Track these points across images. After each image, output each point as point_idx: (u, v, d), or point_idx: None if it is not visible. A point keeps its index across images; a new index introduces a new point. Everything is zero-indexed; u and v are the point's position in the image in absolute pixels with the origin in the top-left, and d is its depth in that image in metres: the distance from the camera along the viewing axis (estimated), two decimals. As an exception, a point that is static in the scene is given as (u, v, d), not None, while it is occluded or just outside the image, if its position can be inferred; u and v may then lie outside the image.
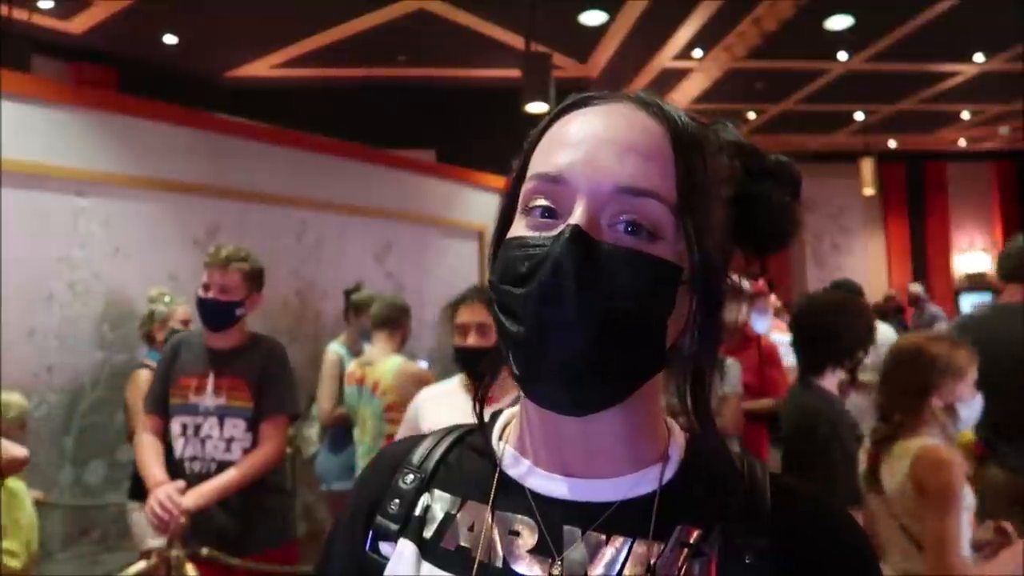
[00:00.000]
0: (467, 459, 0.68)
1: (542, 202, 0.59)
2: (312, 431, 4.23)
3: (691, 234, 0.57)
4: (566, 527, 0.60)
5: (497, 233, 0.65)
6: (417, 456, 0.69)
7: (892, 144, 11.33)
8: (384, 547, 0.66)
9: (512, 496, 0.63)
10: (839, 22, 6.65)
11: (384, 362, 3.45)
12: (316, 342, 4.73)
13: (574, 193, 0.57)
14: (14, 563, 2.50)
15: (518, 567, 0.60)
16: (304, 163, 5.00)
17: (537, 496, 0.62)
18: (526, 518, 0.61)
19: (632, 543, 0.58)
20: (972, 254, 11.99)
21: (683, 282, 0.57)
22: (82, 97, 4.13)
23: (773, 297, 8.22)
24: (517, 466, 0.64)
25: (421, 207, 5.83)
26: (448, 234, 6.01)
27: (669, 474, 0.61)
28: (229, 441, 2.53)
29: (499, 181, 6.33)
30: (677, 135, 0.59)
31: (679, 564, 0.57)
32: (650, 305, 0.56)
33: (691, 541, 0.58)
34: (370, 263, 5.33)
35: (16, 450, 2.56)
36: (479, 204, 6.13)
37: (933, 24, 6.64)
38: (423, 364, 4.11)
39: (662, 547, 0.58)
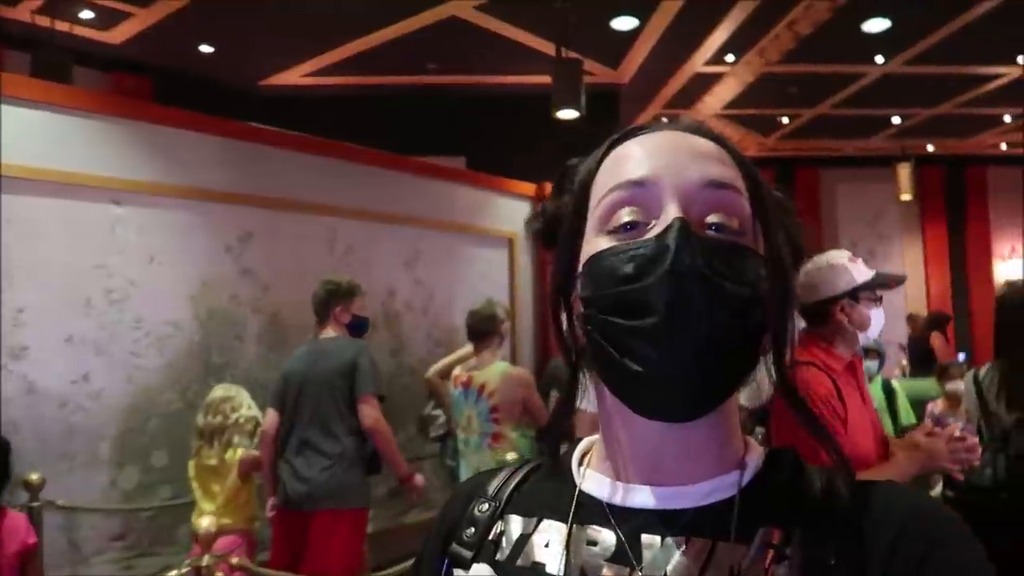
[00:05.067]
0: (543, 485, 0.70)
1: (626, 216, 0.60)
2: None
3: (768, 226, 0.61)
4: (644, 535, 0.59)
5: (560, 275, 0.65)
6: (492, 486, 0.71)
7: (930, 148, 11.10)
8: (458, 574, 0.67)
9: (591, 511, 0.63)
10: (876, 25, 6.53)
11: (491, 367, 3.72)
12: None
13: (661, 194, 0.59)
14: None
15: None
16: (335, 171, 5.03)
17: (615, 508, 0.62)
18: (604, 528, 0.61)
19: (713, 547, 0.58)
20: (1014, 261, 11.70)
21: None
22: (119, 107, 4.21)
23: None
24: (597, 485, 0.65)
25: (451, 214, 5.83)
26: (478, 241, 6.01)
27: (748, 479, 0.61)
28: None
29: (530, 188, 6.31)
30: (731, 150, 0.64)
31: (765, 566, 0.56)
32: (758, 294, 0.57)
33: (775, 542, 0.56)
34: (400, 270, 5.34)
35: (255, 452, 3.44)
36: (509, 211, 6.12)
37: (974, 26, 6.49)
38: None
39: (746, 549, 0.57)
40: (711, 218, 0.58)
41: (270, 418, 3.36)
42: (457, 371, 3.89)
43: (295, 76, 7.48)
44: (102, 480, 3.79)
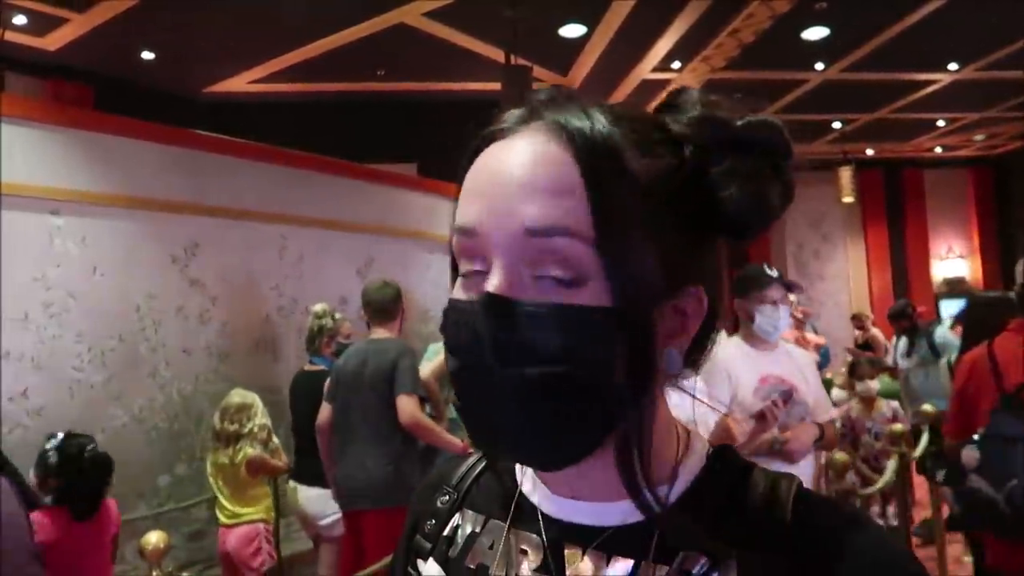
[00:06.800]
0: (497, 479, 0.70)
1: (467, 265, 0.57)
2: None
3: (610, 271, 0.51)
4: (568, 547, 0.59)
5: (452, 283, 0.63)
6: (456, 476, 0.72)
7: (869, 152, 11.46)
8: (421, 565, 0.69)
9: (527, 516, 0.63)
10: (815, 33, 6.72)
11: None
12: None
13: (488, 247, 0.54)
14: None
15: None
16: (284, 179, 4.97)
17: (546, 517, 0.62)
18: (535, 537, 0.62)
19: (635, 566, 0.56)
20: (951, 260, 12.12)
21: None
22: (57, 115, 4.08)
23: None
24: (533, 487, 0.65)
25: (403, 221, 5.80)
26: (431, 248, 5.98)
27: (678, 492, 0.58)
28: None
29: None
30: (587, 161, 0.53)
31: None
32: (586, 360, 0.51)
33: (695, 570, 0.54)
34: (352, 278, 5.28)
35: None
36: (461, 217, 6.11)
37: (907, 34, 6.73)
38: None
39: (665, 571, 0.55)
40: (539, 271, 0.53)
41: (324, 413, 3.43)
42: None
43: (241, 83, 7.37)
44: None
